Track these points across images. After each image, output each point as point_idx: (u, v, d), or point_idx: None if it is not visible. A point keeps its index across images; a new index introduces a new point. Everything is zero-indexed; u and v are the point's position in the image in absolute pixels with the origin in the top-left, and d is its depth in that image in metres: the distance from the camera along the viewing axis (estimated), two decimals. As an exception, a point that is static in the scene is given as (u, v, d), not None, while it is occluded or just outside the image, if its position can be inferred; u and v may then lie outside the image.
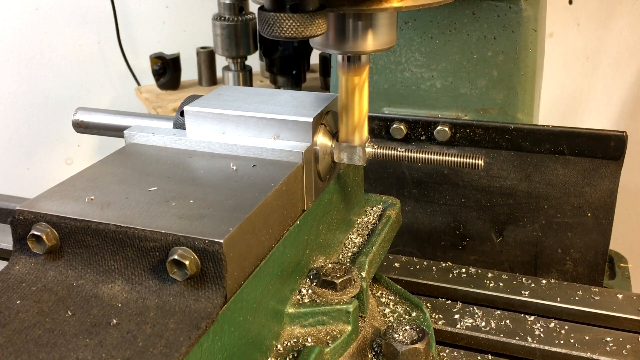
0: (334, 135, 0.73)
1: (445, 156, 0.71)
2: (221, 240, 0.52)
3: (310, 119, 0.68)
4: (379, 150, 0.73)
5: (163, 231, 0.54)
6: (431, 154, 0.72)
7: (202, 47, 2.05)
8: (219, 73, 2.08)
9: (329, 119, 0.73)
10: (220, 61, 2.01)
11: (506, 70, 1.16)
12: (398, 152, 0.72)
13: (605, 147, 0.95)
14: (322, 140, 0.70)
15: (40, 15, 2.19)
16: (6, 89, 2.23)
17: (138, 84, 2.27)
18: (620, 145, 0.94)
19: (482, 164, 0.70)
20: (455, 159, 0.71)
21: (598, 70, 2.01)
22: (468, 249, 1.06)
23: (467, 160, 0.70)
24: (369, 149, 0.73)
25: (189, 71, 2.11)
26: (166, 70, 2.01)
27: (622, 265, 1.09)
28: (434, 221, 1.07)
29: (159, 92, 2.05)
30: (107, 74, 2.32)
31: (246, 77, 1.94)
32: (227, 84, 1.93)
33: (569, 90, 2.05)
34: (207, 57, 2.05)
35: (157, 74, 2.02)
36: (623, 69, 1.98)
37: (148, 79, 2.16)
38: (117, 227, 0.55)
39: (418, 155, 0.72)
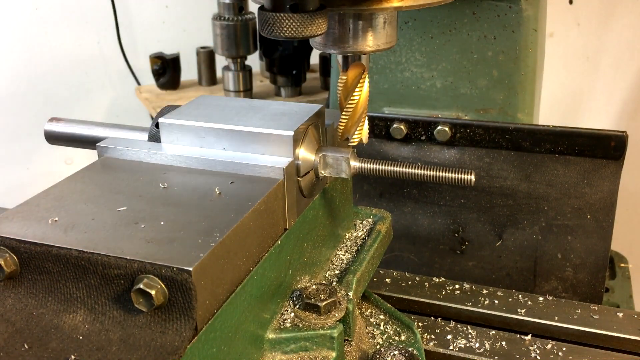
0: (319, 149, 0.70)
1: (436, 172, 0.67)
2: (190, 268, 0.49)
3: (292, 132, 0.64)
4: (365, 165, 0.69)
5: (128, 257, 0.51)
6: (420, 169, 0.68)
7: (202, 47, 2.03)
8: (218, 73, 2.05)
9: (313, 132, 0.69)
10: (220, 61, 1.98)
11: (506, 70, 1.14)
12: (385, 167, 0.69)
13: (606, 147, 0.95)
14: (305, 154, 0.67)
15: (40, 15, 2.17)
16: (6, 89, 2.21)
17: (138, 83, 2.24)
18: (620, 145, 0.94)
19: (474, 179, 0.66)
20: (446, 174, 0.67)
21: (598, 70, 1.98)
22: (467, 254, 1.04)
23: (458, 175, 0.67)
24: (355, 163, 0.69)
25: (189, 71, 2.08)
26: (166, 70, 1.99)
27: (622, 265, 1.10)
28: (433, 223, 1.06)
29: (159, 92, 2.02)
30: (107, 74, 2.30)
31: (246, 77, 1.90)
32: (227, 84, 1.91)
33: (570, 90, 2.01)
34: (207, 57, 2.02)
35: (157, 74, 2.00)
36: (623, 69, 1.95)
37: (148, 78, 2.14)
38: (80, 253, 0.51)
39: (406, 170, 0.68)
